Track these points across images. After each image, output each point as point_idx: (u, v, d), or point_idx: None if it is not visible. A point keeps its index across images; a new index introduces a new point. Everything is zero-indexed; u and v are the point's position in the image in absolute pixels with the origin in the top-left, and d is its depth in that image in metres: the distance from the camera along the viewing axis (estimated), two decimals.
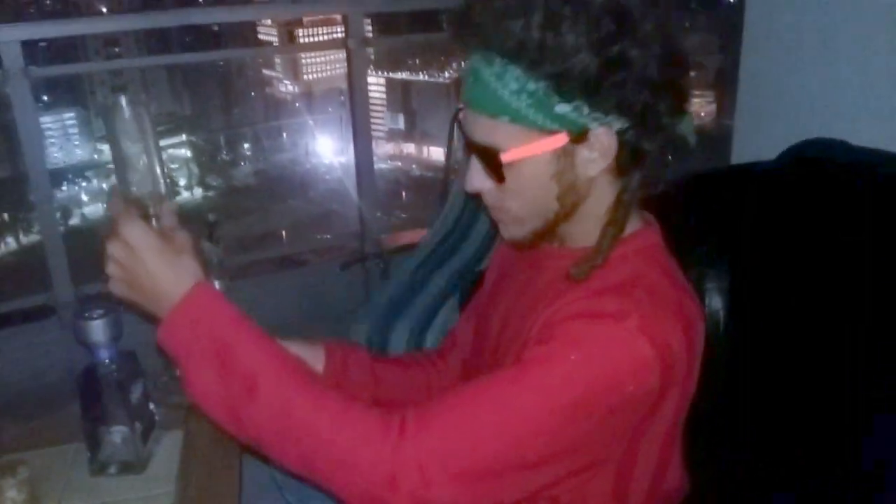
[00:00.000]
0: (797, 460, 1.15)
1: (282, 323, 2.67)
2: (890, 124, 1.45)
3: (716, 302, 1.30)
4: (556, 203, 0.88)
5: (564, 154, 0.84)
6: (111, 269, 0.84)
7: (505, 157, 0.84)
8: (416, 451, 0.77)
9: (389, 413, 0.80)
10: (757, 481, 1.16)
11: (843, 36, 1.53)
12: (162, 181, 0.89)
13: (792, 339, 1.19)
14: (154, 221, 0.87)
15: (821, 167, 1.27)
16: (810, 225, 1.21)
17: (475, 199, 0.94)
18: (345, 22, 2.42)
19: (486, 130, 0.84)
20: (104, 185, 28.17)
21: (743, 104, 1.77)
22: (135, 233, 0.82)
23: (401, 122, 27.56)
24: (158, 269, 0.82)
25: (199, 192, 29.15)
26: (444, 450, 0.77)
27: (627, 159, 0.86)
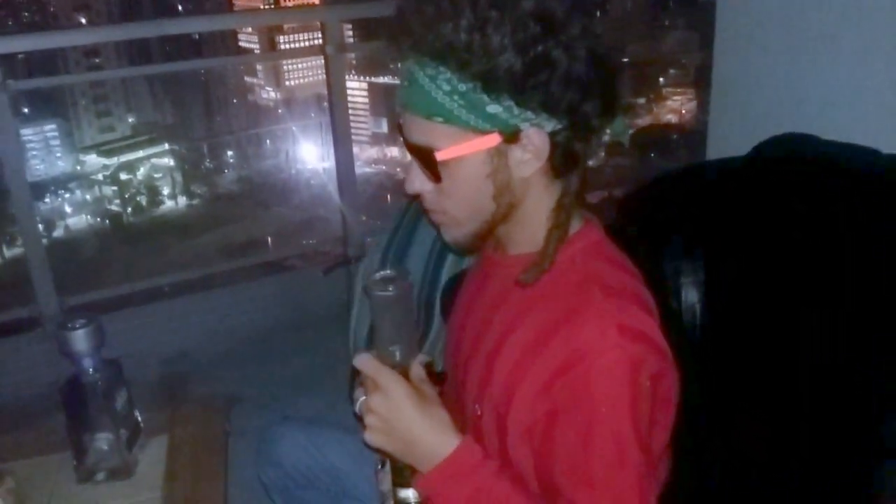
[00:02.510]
0: (773, 450, 1.17)
1: (266, 328, 2.69)
2: (857, 117, 1.48)
3: (692, 296, 1.32)
4: (492, 203, 0.90)
5: (498, 154, 0.87)
6: (371, 420, 0.88)
7: (440, 156, 0.86)
8: None
9: None
10: (731, 469, 1.18)
11: (811, 32, 1.56)
12: (416, 337, 0.94)
13: (767, 331, 1.21)
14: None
15: (791, 161, 1.29)
16: (782, 218, 1.23)
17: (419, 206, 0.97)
18: (322, 29, 2.43)
19: (422, 131, 0.87)
20: (87, 197, 28.10)
21: (717, 101, 1.80)
22: (395, 387, 0.87)
23: (384, 126, 27.60)
24: (416, 421, 0.87)
25: (183, 200, 29.08)
26: None
27: (560, 161, 0.89)
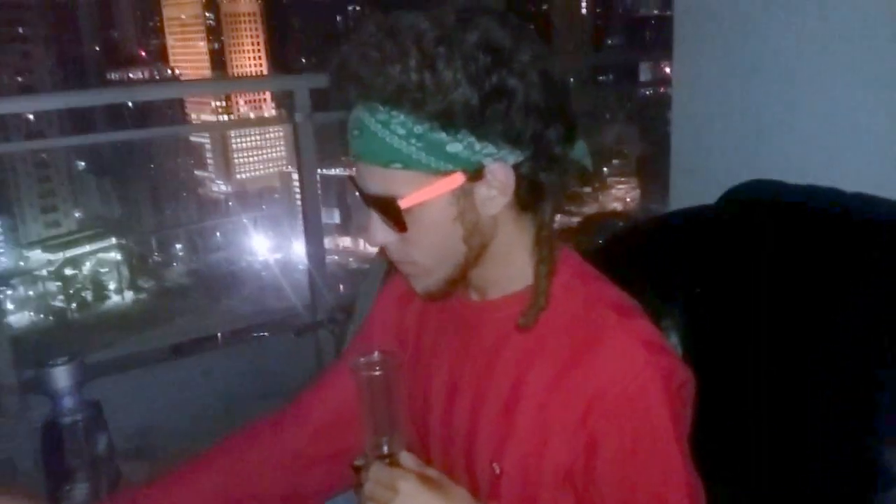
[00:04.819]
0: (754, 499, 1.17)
1: (233, 400, 2.62)
2: (816, 162, 1.54)
3: (672, 339, 1.34)
4: (462, 246, 0.87)
5: (463, 194, 0.84)
6: None
7: (403, 204, 0.83)
8: None
9: None
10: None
11: (767, 80, 1.64)
12: (403, 420, 0.92)
13: (745, 377, 1.22)
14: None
15: (759, 206, 1.34)
16: (754, 263, 1.26)
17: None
18: (291, 97, 2.50)
19: (381, 180, 0.83)
20: (30, 293, 27.42)
21: (677, 152, 1.86)
22: (414, 486, 0.85)
23: (336, 217, 27.76)
24: None
25: (130, 295, 28.57)
26: None
27: (527, 193, 0.86)
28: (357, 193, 0.87)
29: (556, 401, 0.86)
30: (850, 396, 1.07)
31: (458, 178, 0.82)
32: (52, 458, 1.09)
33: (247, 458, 1.07)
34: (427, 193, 0.82)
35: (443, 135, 0.80)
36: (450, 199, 0.83)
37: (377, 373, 0.87)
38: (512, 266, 0.90)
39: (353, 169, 0.86)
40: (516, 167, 0.83)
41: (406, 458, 0.88)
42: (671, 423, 0.83)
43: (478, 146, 0.81)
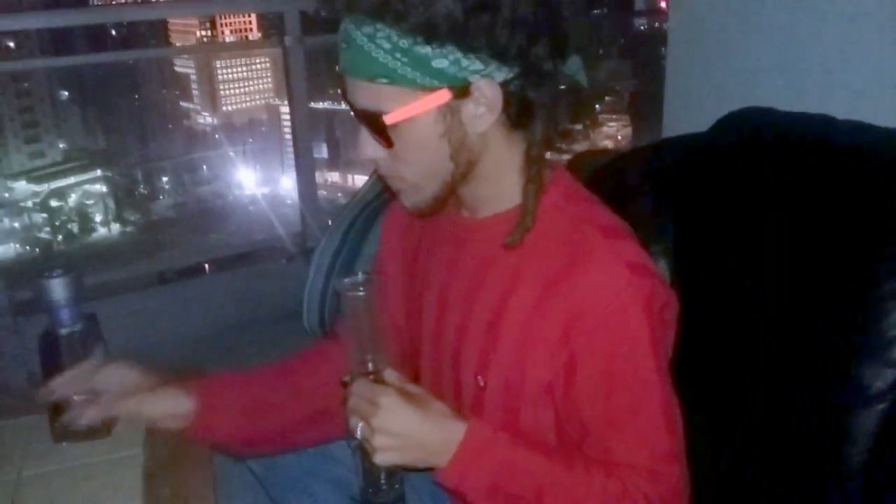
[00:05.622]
0: (736, 421, 1.19)
1: (223, 326, 2.65)
2: (811, 87, 1.54)
3: (661, 264, 1.36)
4: (449, 163, 0.88)
5: (450, 111, 0.84)
6: (381, 441, 0.85)
7: (388, 119, 0.83)
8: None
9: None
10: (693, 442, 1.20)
11: (765, 9, 1.63)
12: (386, 340, 0.94)
13: (733, 303, 1.24)
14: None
15: (753, 134, 1.34)
16: (746, 191, 1.27)
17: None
18: (280, 21, 2.46)
19: (367, 95, 0.84)
20: (16, 225, 27.21)
21: (671, 78, 1.85)
22: (394, 401, 0.85)
23: (324, 152, 27.46)
24: (424, 424, 0.85)
25: (116, 227, 28.36)
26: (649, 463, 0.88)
27: (516, 111, 0.87)
28: (349, 110, 0.88)
29: (539, 318, 0.88)
30: (838, 321, 1.09)
31: (444, 95, 0.83)
32: (51, 370, 1.10)
33: (317, 374, 1.11)
34: (413, 109, 0.83)
35: (427, 49, 0.79)
36: (436, 116, 0.84)
37: (360, 293, 0.89)
38: (502, 184, 0.92)
39: (344, 82, 0.86)
40: (504, 84, 0.84)
41: (390, 375, 0.90)
42: (650, 343, 0.86)
43: (464, 62, 0.81)
